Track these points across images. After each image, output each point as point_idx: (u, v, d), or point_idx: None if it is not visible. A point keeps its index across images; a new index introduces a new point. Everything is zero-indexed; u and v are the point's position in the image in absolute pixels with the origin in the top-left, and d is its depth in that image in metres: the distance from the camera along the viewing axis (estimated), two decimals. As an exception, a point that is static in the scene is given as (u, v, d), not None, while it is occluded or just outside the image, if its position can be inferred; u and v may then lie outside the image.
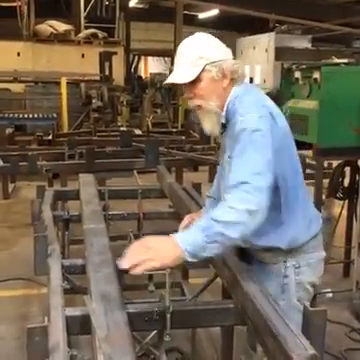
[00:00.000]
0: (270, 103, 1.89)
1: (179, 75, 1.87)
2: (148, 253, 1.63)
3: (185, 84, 1.87)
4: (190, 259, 1.61)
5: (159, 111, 10.06)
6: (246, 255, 2.03)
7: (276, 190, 1.79)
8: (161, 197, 3.66)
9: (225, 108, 1.89)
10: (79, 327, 1.74)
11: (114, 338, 1.52)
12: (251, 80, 15.29)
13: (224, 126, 1.93)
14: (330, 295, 3.73)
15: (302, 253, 1.93)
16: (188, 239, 1.61)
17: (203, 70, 1.84)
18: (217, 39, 1.95)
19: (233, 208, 1.62)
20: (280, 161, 1.79)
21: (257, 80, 14.71)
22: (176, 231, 2.44)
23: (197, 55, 1.85)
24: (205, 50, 1.87)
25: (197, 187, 3.41)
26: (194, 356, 2.44)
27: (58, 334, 1.56)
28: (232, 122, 1.85)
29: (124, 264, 1.66)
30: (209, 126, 1.92)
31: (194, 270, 3.47)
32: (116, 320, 1.64)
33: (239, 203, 1.62)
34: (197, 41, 1.91)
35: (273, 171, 1.71)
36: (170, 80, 1.89)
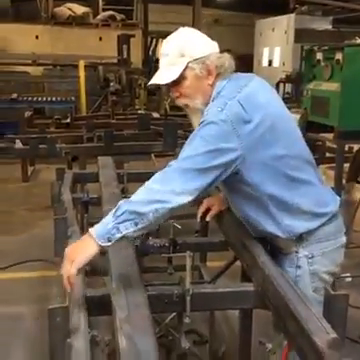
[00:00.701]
0: (248, 95, 1.78)
1: (162, 75, 1.84)
2: (66, 258, 1.67)
3: (170, 83, 1.84)
4: (104, 243, 1.63)
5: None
6: (265, 243, 2.01)
7: (254, 183, 1.80)
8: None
9: (206, 109, 1.81)
10: (99, 308, 1.75)
11: (134, 319, 1.53)
12: (270, 63, 15.12)
13: None
14: (349, 279, 3.69)
15: (314, 242, 1.87)
16: (98, 226, 1.65)
17: (186, 68, 1.81)
18: (200, 33, 1.90)
19: (146, 187, 1.68)
20: (256, 152, 1.75)
21: (276, 63, 14.53)
22: (194, 215, 2.47)
23: (179, 53, 1.81)
24: (187, 47, 1.82)
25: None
26: (212, 338, 2.44)
27: (79, 315, 1.57)
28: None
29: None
30: (197, 124, 1.82)
31: (213, 253, 3.48)
32: (136, 301, 1.65)
33: (154, 182, 1.68)
34: (178, 38, 1.86)
35: (223, 160, 1.70)
36: (153, 81, 1.87)
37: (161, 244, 2.36)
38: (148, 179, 3.35)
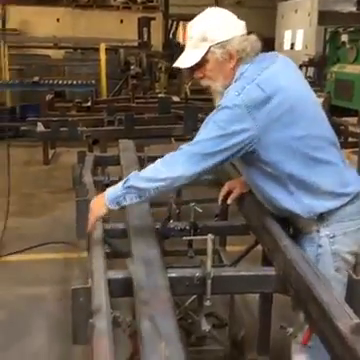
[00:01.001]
0: (268, 78, 1.81)
1: (185, 58, 1.90)
2: (89, 211, 2.00)
3: (194, 65, 1.88)
4: (112, 207, 1.90)
5: (198, 78, 9.93)
6: (286, 224, 2.01)
7: (272, 162, 1.83)
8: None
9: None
10: (121, 290, 1.76)
11: (156, 301, 1.54)
12: (292, 46, 14.87)
13: None
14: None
15: (336, 222, 1.87)
16: (111, 190, 1.92)
17: (208, 52, 1.85)
18: (227, 14, 1.91)
19: (154, 166, 1.87)
20: (274, 133, 1.79)
21: (298, 46, 14.29)
22: (215, 199, 2.47)
23: (201, 37, 1.85)
24: (209, 31, 1.85)
25: (237, 154, 3.37)
26: (231, 322, 2.44)
27: (101, 296, 1.58)
28: None
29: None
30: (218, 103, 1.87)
31: (232, 238, 3.47)
32: (157, 283, 1.66)
33: (162, 163, 1.85)
34: (202, 22, 1.89)
35: (234, 142, 1.77)
36: (176, 64, 1.93)
37: (182, 227, 2.36)
38: None
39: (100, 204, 1.94)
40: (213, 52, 1.85)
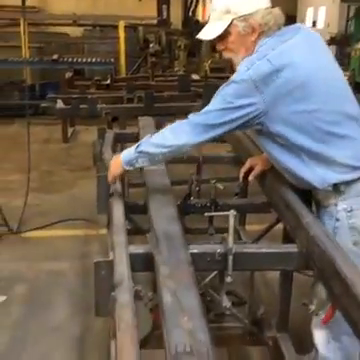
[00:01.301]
0: (282, 53, 1.80)
1: (208, 30, 1.93)
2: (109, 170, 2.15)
3: (216, 37, 1.90)
4: (127, 167, 2.05)
5: (217, 56, 9.79)
6: (309, 200, 2.00)
7: (281, 135, 1.86)
8: (220, 142, 3.60)
9: None
10: (142, 264, 1.76)
11: (178, 275, 1.53)
12: (314, 24, 14.58)
13: None
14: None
15: (354, 196, 1.86)
16: (125, 153, 2.07)
17: (230, 24, 1.86)
18: None
19: (163, 133, 1.98)
20: (283, 107, 1.80)
21: (320, 24, 14.00)
22: (237, 177, 2.45)
23: (225, 9, 1.86)
24: (233, 4, 1.86)
25: (257, 132, 3.32)
26: (251, 300, 2.43)
27: (123, 269, 1.57)
28: None
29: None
30: None
31: (251, 217, 3.46)
32: (179, 258, 1.65)
33: (170, 131, 1.95)
34: None
35: (237, 115, 1.82)
36: (199, 35, 1.96)
37: (202, 204, 2.35)
38: None
39: (117, 164, 2.10)
40: (236, 25, 1.86)
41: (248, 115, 1.82)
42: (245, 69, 1.80)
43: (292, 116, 1.82)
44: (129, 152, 2.05)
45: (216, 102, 1.87)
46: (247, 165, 2.30)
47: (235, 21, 1.85)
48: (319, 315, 1.76)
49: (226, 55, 1.95)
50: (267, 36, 1.86)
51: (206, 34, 1.93)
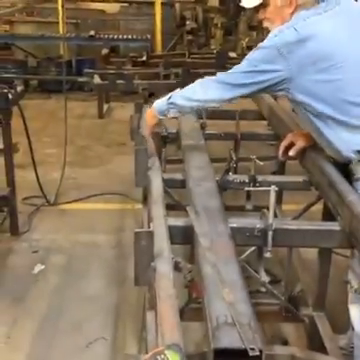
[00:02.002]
0: (312, 23, 1.87)
1: None
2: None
3: (259, 6, 2.02)
4: (160, 116, 2.25)
5: (255, 34, 9.61)
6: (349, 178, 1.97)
7: (305, 101, 1.94)
8: (258, 119, 3.55)
9: None
10: (181, 237, 1.76)
11: (218, 247, 1.53)
12: None
13: None
14: None
15: None
16: (158, 103, 2.25)
17: None
18: None
19: (193, 87, 2.14)
20: (307, 75, 1.88)
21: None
22: (274, 155, 2.42)
23: None
24: None
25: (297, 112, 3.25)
26: (288, 277, 2.41)
27: (162, 240, 1.57)
28: None
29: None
30: None
31: (287, 197, 3.41)
32: (219, 231, 1.64)
33: (200, 85, 2.11)
34: None
35: (261, 79, 1.94)
36: (242, 3, 2.09)
37: (241, 180, 2.32)
38: (227, 117, 3.44)
39: (151, 115, 2.30)
40: None
41: (271, 80, 1.93)
42: (273, 36, 1.91)
43: (315, 85, 1.89)
44: (161, 103, 2.22)
45: (243, 64, 2.00)
46: (288, 140, 2.28)
47: None
48: (358, 292, 1.73)
49: (265, 24, 2.07)
50: (305, 9, 1.93)
51: (247, 1, 2.06)
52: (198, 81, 2.15)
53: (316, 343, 2.24)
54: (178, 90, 2.21)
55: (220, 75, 2.08)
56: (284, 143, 2.27)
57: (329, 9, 1.91)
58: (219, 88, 2.05)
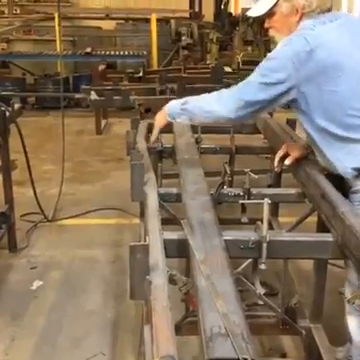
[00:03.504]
0: (320, 33, 1.89)
1: (255, 8, 2.07)
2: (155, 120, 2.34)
3: (265, 15, 2.04)
4: (170, 119, 2.23)
5: (249, 49, 9.72)
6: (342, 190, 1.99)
7: (309, 113, 1.95)
8: (253, 132, 3.58)
9: None
10: (176, 250, 1.78)
11: (212, 260, 1.54)
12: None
13: None
14: None
15: None
16: (172, 105, 2.23)
17: (275, 5, 1.99)
18: None
19: (208, 98, 2.13)
20: (315, 86, 1.89)
21: (357, 14, 13.66)
22: (269, 169, 2.42)
23: None
24: None
25: (292, 124, 3.29)
26: (284, 289, 2.42)
27: (157, 254, 1.59)
28: None
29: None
30: None
31: (283, 209, 3.43)
32: (213, 244, 1.66)
33: (216, 98, 2.08)
34: None
35: (273, 92, 1.93)
36: (249, 12, 2.12)
37: (236, 193, 2.35)
38: (222, 131, 3.46)
39: (162, 116, 2.27)
40: (280, 5, 1.99)
41: (283, 89, 1.92)
42: (283, 45, 1.93)
43: (322, 95, 1.89)
44: (175, 106, 2.20)
45: (254, 76, 1.99)
46: (283, 150, 2.31)
47: (280, 1, 1.98)
48: (355, 304, 1.74)
49: (271, 33, 2.09)
50: (309, 18, 1.96)
51: (254, 11, 2.08)
52: (216, 93, 2.11)
53: (314, 355, 2.24)
54: (194, 97, 2.20)
55: (234, 90, 2.05)
56: (279, 153, 2.31)
57: (331, 21, 1.95)
58: (233, 105, 2.01)
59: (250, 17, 10.66)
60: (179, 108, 2.17)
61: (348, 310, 1.99)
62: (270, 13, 2.02)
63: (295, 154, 2.25)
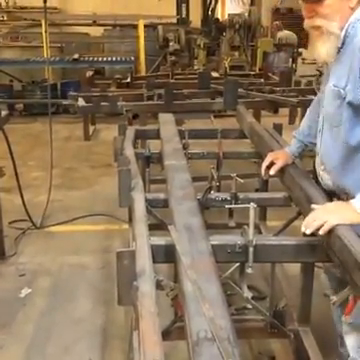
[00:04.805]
0: None
1: None
2: (331, 216, 1.66)
3: (307, 1, 1.72)
4: None
5: (237, 54, 9.79)
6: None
7: None
8: (240, 138, 3.61)
9: (344, 31, 1.73)
10: (163, 256, 1.78)
11: (199, 265, 1.55)
12: None
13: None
14: None
15: None
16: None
17: None
18: None
19: None
20: None
21: None
22: (256, 173, 2.41)
23: None
24: None
25: (278, 128, 3.33)
26: (272, 292, 2.44)
27: (144, 259, 1.60)
28: (348, 47, 1.72)
29: (308, 230, 1.67)
30: (324, 50, 1.76)
31: (272, 213, 3.46)
32: (200, 249, 1.67)
33: None
34: None
35: None
36: None
37: (223, 198, 2.37)
38: (209, 136, 3.36)
39: (351, 215, 1.68)
40: None
41: None
42: None
43: None
44: None
45: None
46: (268, 159, 2.30)
47: None
48: (340, 306, 1.76)
49: (314, 22, 1.75)
50: None
51: None
52: None
53: (302, 358, 2.26)
54: None
55: None
56: (265, 163, 2.29)
57: None
58: None
59: (237, 22, 10.76)
60: None
61: (345, 330, 1.99)
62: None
63: (280, 162, 2.25)
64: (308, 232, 1.66)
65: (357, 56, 1.65)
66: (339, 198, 1.92)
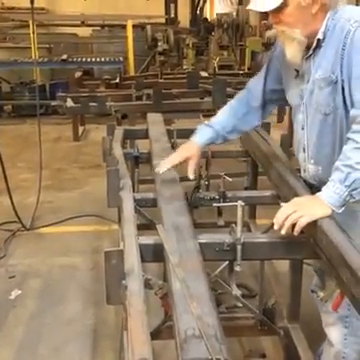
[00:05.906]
0: None
1: (264, 1, 1.74)
2: (298, 210, 1.68)
3: (277, 9, 1.73)
4: (340, 210, 1.67)
5: (225, 53, 9.81)
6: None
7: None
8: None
9: (323, 26, 1.75)
10: (152, 255, 1.79)
11: (187, 264, 1.56)
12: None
13: (316, 46, 1.80)
14: None
15: None
16: (332, 197, 1.66)
17: None
18: None
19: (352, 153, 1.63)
20: None
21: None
22: (242, 174, 2.40)
23: None
24: None
25: (266, 126, 3.34)
26: (262, 290, 2.46)
27: (133, 259, 1.60)
28: (331, 39, 1.74)
29: (282, 230, 1.69)
30: (290, 52, 1.83)
31: (261, 211, 3.47)
32: (188, 248, 1.68)
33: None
34: None
35: None
36: (255, 7, 1.78)
37: (211, 196, 2.37)
38: None
39: (319, 208, 1.69)
40: None
41: None
42: None
43: None
44: (335, 192, 1.66)
45: None
46: (178, 157, 2.20)
47: None
48: (328, 302, 1.78)
49: (278, 28, 1.80)
50: (332, 9, 1.75)
51: (263, 5, 1.74)
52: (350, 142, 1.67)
53: (292, 354, 2.27)
54: (350, 170, 1.63)
55: None
56: (176, 161, 2.20)
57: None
58: None
59: (226, 22, 10.82)
60: (345, 191, 1.64)
61: (332, 321, 1.98)
62: (281, 6, 1.71)
63: (194, 160, 2.16)
64: (283, 232, 1.67)
65: (343, 41, 1.68)
66: None
